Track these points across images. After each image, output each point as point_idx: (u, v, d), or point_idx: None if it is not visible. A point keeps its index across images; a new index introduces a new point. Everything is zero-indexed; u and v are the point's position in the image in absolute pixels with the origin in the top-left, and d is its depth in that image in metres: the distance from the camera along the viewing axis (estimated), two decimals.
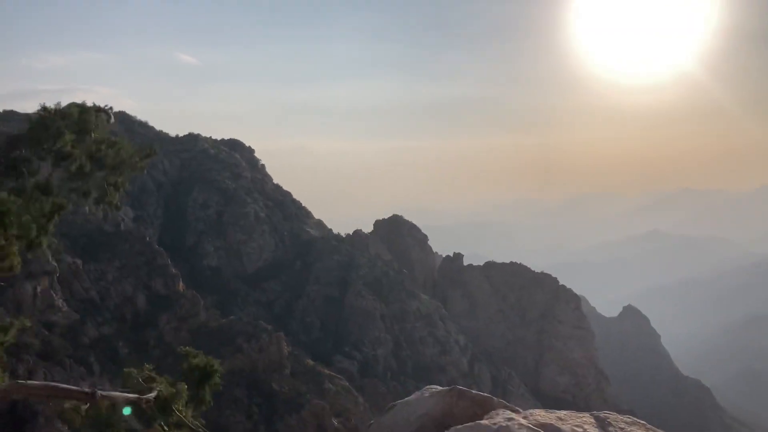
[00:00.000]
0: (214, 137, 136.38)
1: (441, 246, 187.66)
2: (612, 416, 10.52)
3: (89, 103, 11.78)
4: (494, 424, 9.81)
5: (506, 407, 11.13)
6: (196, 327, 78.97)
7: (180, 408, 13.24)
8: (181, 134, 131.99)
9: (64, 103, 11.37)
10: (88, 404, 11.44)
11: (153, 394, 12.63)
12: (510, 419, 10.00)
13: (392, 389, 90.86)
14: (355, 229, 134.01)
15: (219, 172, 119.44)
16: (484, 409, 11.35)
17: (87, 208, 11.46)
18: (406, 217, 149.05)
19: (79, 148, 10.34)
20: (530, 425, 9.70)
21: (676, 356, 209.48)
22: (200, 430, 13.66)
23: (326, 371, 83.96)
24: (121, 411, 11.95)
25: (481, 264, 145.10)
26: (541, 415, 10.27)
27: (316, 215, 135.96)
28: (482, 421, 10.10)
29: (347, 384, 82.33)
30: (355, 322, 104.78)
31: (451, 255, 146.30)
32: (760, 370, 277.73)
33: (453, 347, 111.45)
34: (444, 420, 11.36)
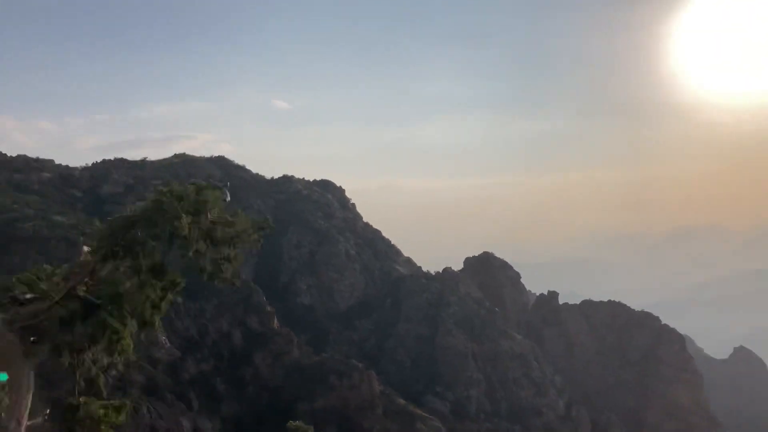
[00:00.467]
0: (306, 178, 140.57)
1: (534, 284, 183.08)
2: None
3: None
4: None
5: None
6: (289, 364, 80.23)
7: None
8: (275, 176, 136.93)
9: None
10: None
11: None
12: None
13: None
14: (444, 266, 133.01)
15: (312, 212, 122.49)
16: None
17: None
18: (498, 255, 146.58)
19: (194, 230, 10.50)
20: None
21: None
22: None
23: (418, 411, 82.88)
24: None
25: (578, 303, 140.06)
26: None
27: (406, 253, 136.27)
28: None
29: (440, 425, 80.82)
30: (447, 362, 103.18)
31: (546, 293, 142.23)
32: None
33: (549, 389, 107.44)
34: None
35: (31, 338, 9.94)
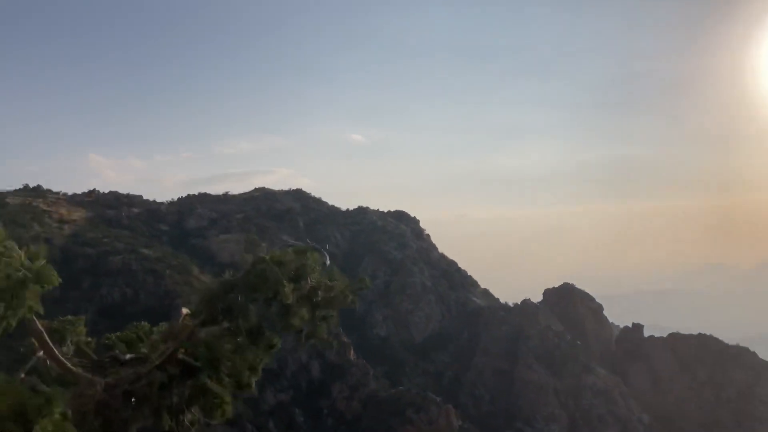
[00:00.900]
0: (381, 209, 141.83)
1: (618, 316, 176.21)
2: None
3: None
4: None
5: None
6: (366, 396, 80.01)
7: None
8: (351, 208, 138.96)
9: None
10: None
11: None
12: None
13: None
14: (523, 298, 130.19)
15: (386, 242, 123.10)
16: None
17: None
18: (578, 285, 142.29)
19: (296, 296, 10.64)
20: None
21: None
22: None
23: None
24: None
25: (665, 335, 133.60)
26: None
27: (482, 284, 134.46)
28: None
29: None
30: (527, 397, 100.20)
31: (630, 325, 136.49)
32: None
33: (636, 427, 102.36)
34: None
35: (132, 401, 10.14)
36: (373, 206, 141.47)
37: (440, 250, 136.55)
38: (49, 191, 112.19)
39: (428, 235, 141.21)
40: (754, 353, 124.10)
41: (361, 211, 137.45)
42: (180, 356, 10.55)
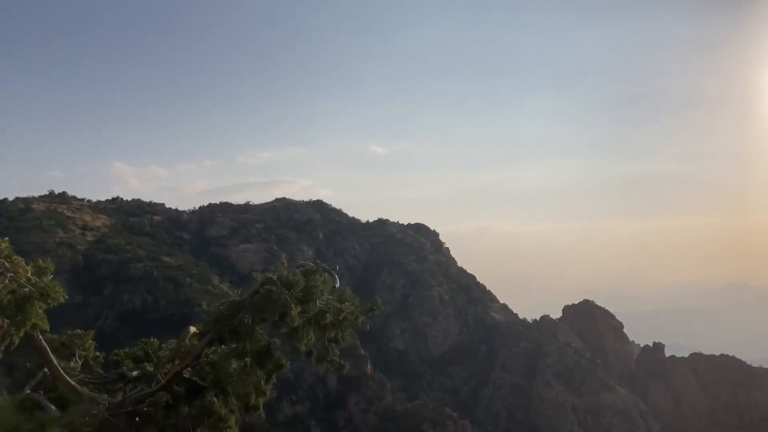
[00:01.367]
0: (401, 222, 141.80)
1: (638, 334, 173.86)
2: None
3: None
4: None
5: None
6: (382, 410, 79.64)
7: None
8: (371, 220, 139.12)
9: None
10: None
11: None
12: None
13: None
14: (542, 314, 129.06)
15: (405, 255, 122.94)
16: None
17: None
18: (598, 303, 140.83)
19: (303, 319, 10.58)
20: None
21: None
22: None
23: None
24: None
25: (686, 355, 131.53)
26: None
27: (501, 299, 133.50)
28: None
29: None
30: (545, 414, 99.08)
31: (651, 344, 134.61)
32: None
33: None
34: None
35: (136, 419, 10.10)
36: (392, 218, 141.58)
37: (459, 263, 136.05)
38: (74, 198, 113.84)
39: (447, 249, 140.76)
40: None
41: (381, 223, 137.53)
42: (186, 376, 10.52)
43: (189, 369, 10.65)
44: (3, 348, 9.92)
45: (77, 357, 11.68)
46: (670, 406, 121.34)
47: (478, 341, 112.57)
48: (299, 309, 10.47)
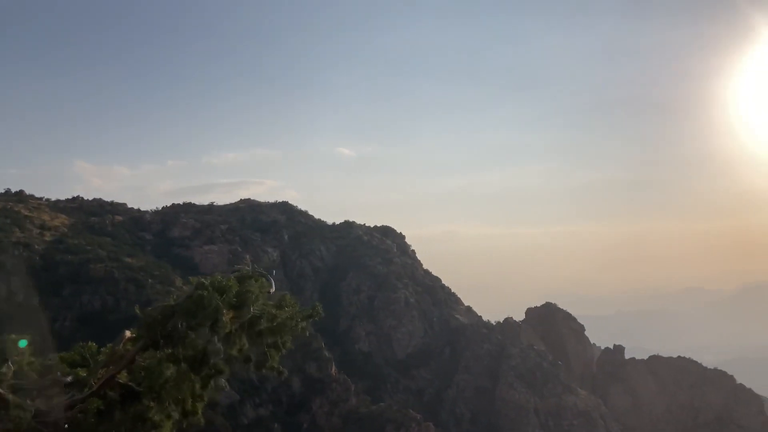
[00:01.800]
0: (367, 224, 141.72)
1: (599, 337, 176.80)
2: None
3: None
4: None
5: None
6: (346, 412, 79.56)
7: None
8: (337, 222, 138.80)
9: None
10: None
11: None
12: None
13: None
14: (505, 316, 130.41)
15: (371, 257, 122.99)
16: None
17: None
18: (561, 305, 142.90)
19: (236, 325, 10.27)
20: None
21: None
22: None
23: None
24: None
25: (645, 358, 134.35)
26: None
27: (466, 302, 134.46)
28: None
29: None
30: (507, 416, 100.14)
31: (611, 347, 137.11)
32: None
33: None
34: None
35: (65, 426, 9.78)
36: (359, 221, 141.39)
37: (425, 266, 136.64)
38: (32, 197, 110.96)
39: (414, 252, 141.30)
40: (731, 377, 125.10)
41: (348, 225, 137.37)
42: (122, 381, 10.22)
43: (125, 374, 10.33)
44: None
45: (9, 363, 11.15)
46: (629, 407, 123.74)
47: (442, 343, 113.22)
48: (232, 314, 10.26)
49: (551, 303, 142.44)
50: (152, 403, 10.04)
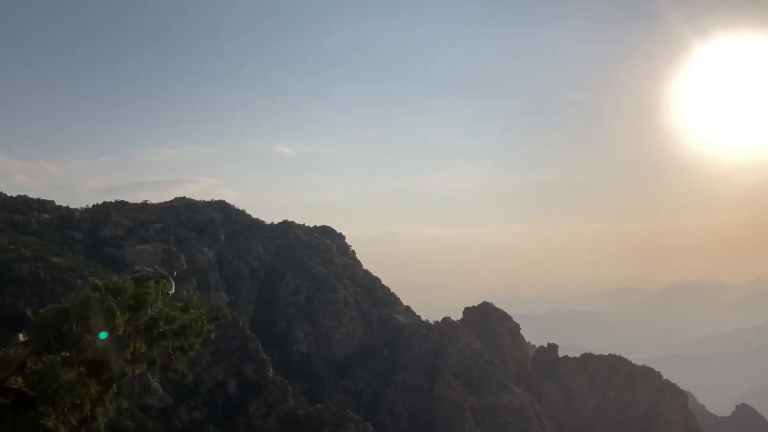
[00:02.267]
0: (307, 224, 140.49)
1: (534, 336, 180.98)
2: None
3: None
4: None
5: None
6: (283, 414, 78.55)
7: None
8: (276, 222, 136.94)
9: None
10: None
11: None
12: None
13: None
14: (444, 316, 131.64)
15: (311, 258, 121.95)
16: None
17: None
18: (497, 305, 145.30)
19: (131, 328, 9.79)
20: None
21: None
22: None
23: None
24: None
25: (578, 356, 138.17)
26: None
27: (405, 301, 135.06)
28: None
29: None
30: (444, 415, 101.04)
31: (545, 345, 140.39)
32: None
33: None
34: None
35: None
36: (299, 221, 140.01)
37: (365, 266, 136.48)
38: None
39: (354, 252, 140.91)
40: (658, 373, 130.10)
41: (286, 225, 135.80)
42: (15, 387, 9.65)
43: (19, 378, 9.74)
44: None
45: None
46: (562, 404, 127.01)
47: (381, 344, 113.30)
48: (127, 316, 9.83)
49: (488, 302, 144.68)
50: (48, 409, 9.50)
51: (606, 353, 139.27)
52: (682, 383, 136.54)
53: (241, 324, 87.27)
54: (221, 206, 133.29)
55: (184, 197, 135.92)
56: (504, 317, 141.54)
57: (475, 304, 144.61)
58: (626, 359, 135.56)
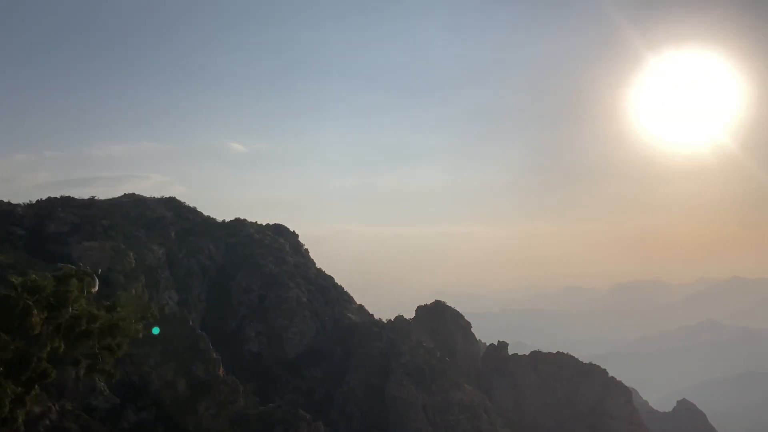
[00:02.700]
0: (259, 222, 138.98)
1: (485, 334, 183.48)
2: None
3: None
4: None
5: None
6: (234, 414, 77.67)
7: None
8: (227, 219, 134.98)
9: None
10: None
11: None
12: None
13: None
14: (396, 314, 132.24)
15: (263, 256, 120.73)
16: None
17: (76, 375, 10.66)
18: (449, 303, 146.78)
19: (48, 327, 9.46)
20: None
21: None
22: None
23: None
24: None
25: (527, 353, 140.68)
26: None
27: (358, 300, 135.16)
28: None
29: None
30: (396, 413, 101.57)
31: (496, 343, 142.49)
32: None
33: None
34: None
35: None
36: (251, 219, 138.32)
37: (318, 265, 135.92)
38: None
39: (307, 250, 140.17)
40: (604, 370, 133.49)
41: (239, 223, 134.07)
42: None
43: None
44: None
45: None
46: (512, 401, 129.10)
47: (334, 342, 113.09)
48: (46, 315, 9.58)
49: (440, 301, 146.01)
50: None
51: (554, 351, 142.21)
52: (627, 380, 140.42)
53: (191, 323, 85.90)
54: (172, 203, 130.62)
55: (134, 194, 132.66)
56: (456, 315, 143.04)
57: (428, 303, 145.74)
58: (574, 356, 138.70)
